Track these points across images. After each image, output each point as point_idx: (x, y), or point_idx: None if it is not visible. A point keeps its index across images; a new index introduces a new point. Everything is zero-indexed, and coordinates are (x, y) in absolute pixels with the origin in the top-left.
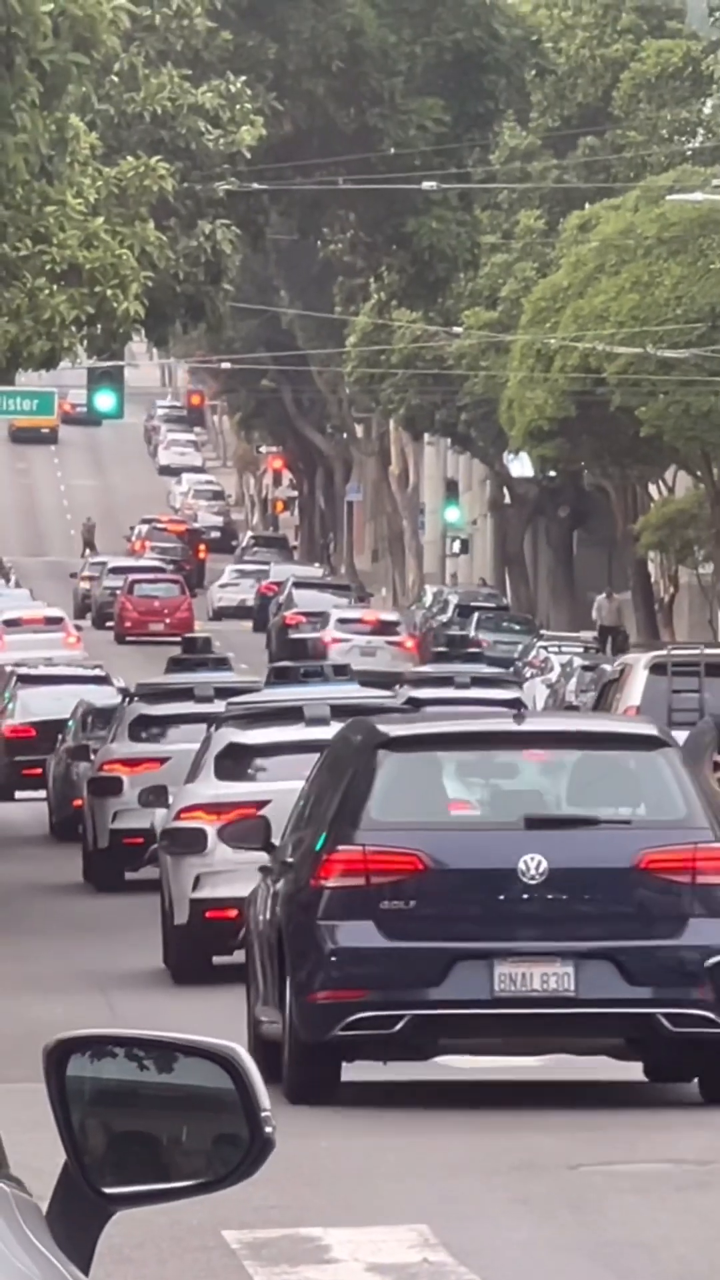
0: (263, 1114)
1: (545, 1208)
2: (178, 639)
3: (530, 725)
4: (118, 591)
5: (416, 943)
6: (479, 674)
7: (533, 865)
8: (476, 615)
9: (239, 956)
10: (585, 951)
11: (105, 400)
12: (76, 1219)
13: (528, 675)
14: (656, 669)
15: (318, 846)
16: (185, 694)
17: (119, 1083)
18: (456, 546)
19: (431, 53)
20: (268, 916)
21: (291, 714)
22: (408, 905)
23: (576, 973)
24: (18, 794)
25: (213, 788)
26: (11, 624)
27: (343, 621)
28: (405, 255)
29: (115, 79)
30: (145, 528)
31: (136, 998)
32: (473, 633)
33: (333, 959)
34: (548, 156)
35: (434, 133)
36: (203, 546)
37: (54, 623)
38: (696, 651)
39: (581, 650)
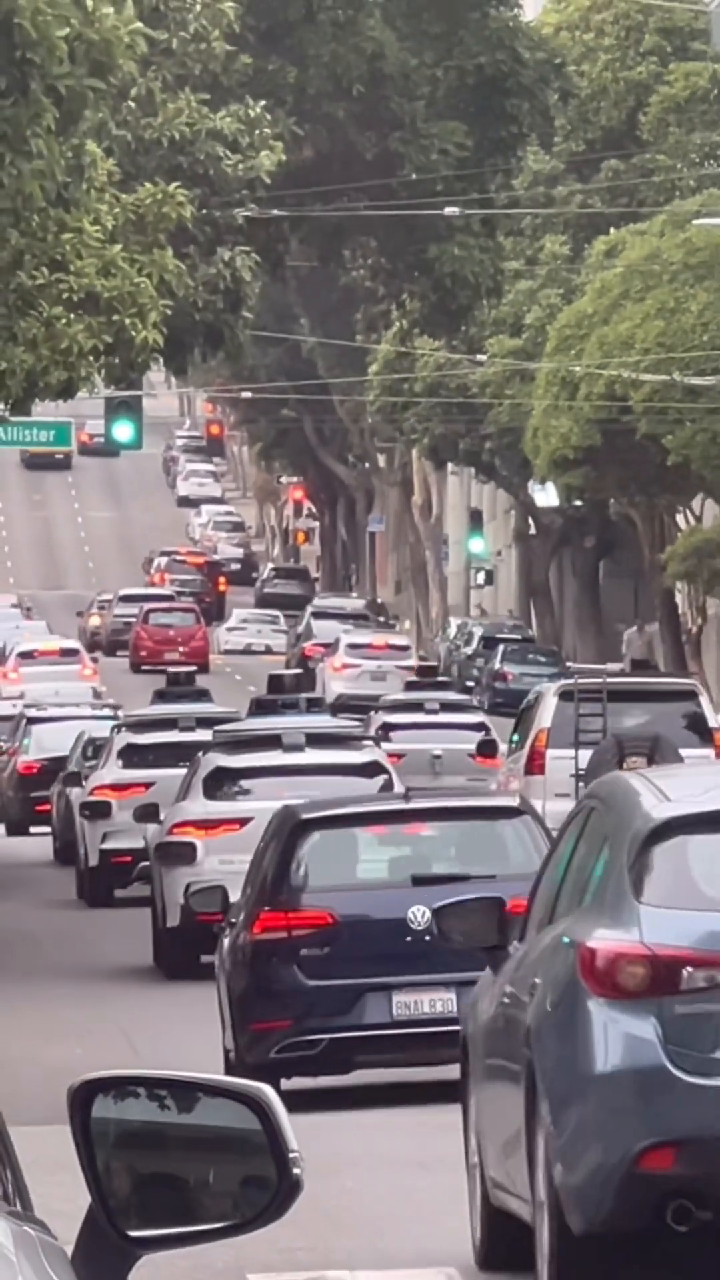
0: (291, 1155)
1: None
2: (192, 667)
3: (416, 804)
4: (131, 620)
5: (331, 980)
6: (447, 700)
7: (419, 915)
8: (502, 647)
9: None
10: (463, 980)
11: (123, 431)
12: (102, 1262)
13: None
14: (565, 696)
15: (251, 909)
16: (170, 724)
17: (144, 1124)
18: (481, 578)
19: (453, 76)
20: (224, 965)
21: (271, 741)
22: (323, 951)
23: (457, 997)
24: (32, 829)
25: (201, 806)
26: (27, 656)
27: (352, 647)
28: (427, 282)
29: (132, 104)
30: (164, 560)
31: (158, 1036)
32: (499, 665)
33: (263, 996)
34: (572, 181)
35: (456, 157)
36: (222, 580)
37: (70, 654)
38: (600, 681)
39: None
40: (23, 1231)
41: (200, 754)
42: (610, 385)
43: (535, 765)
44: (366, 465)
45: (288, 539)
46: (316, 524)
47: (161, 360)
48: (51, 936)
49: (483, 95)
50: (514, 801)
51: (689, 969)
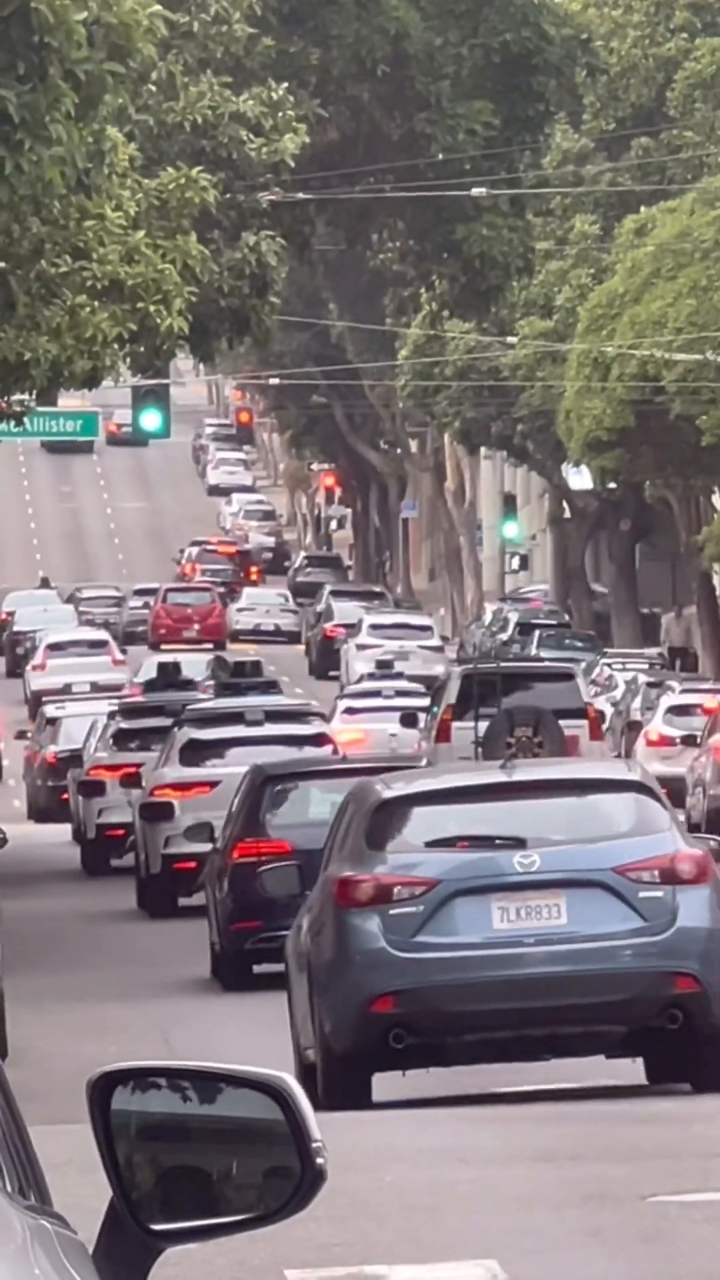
0: (314, 1145)
1: (617, 1240)
2: (210, 644)
3: (349, 765)
4: (150, 603)
5: (284, 892)
6: (401, 688)
7: None
8: (538, 633)
9: (198, 899)
10: None
11: (151, 419)
12: (124, 1257)
13: (592, 694)
14: (467, 677)
15: (230, 842)
16: (236, 718)
17: (166, 1116)
18: (516, 563)
19: (479, 54)
20: (212, 883)
21: (235, 717)
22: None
23: None
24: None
25: (177, 771)
26: (56, 647)
27: (375, 627)
28: (456, 264)
29: (153, 88)
30: (195, 550)
31: (194, 1033)
32: (535, 651)
33: (238, 902)
34: (601, 159)
35: (483, 137)
36: (255, 569)
37: (98, 645)
38: (495, 665)
39: (646, 667)
40: (39, 1225)
41: (175, 728)
42: (643, 365)
43: (443, 734)
44: (398, 451)
45: (320, 527)
46: (348, 511)
47: (188, 347)
48: (83, 929)
49: (509, 73)
50: (421, 761)
51: (397, 887)
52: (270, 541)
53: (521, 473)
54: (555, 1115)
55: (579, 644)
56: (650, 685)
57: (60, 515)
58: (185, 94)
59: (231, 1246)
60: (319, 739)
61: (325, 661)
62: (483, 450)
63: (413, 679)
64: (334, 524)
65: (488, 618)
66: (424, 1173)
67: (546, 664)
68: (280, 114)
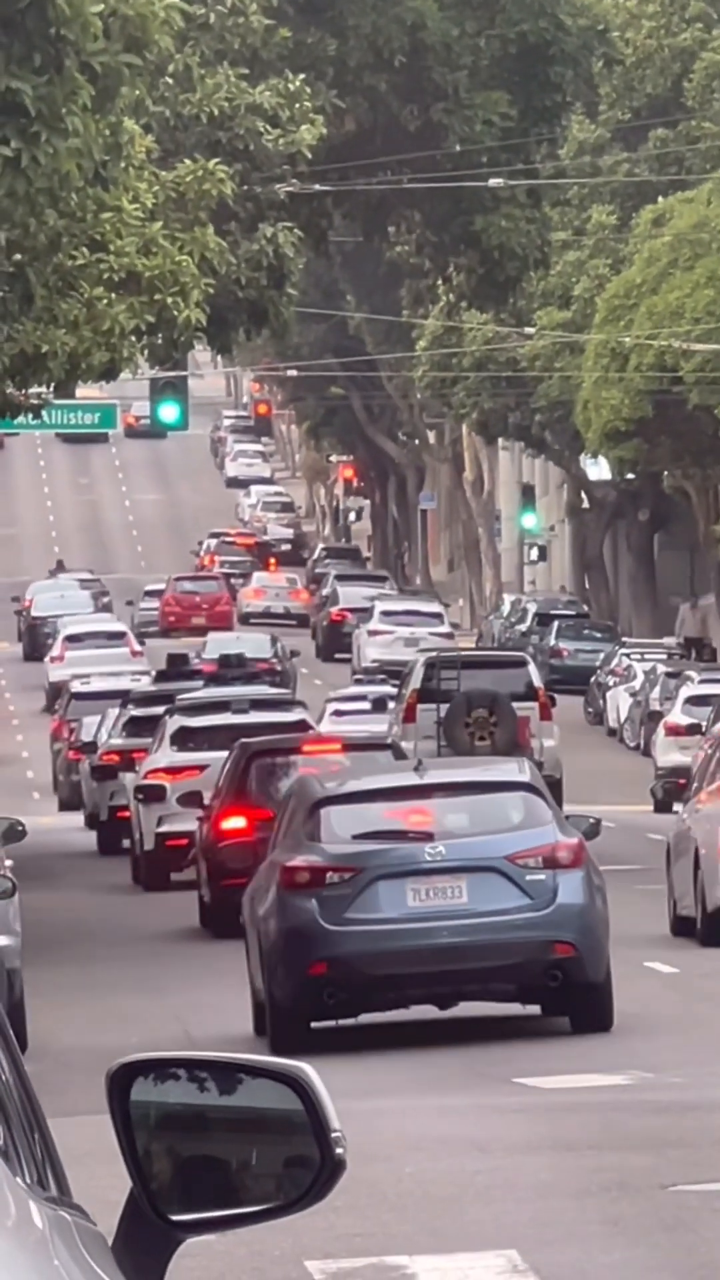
0: (333, 1135)
1: (637, 1229)
2: (219, 629)
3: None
4: (166, 591)
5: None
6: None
7: None
8: (556, 624)
9: (189, 874)
10: None
11: (169, 412)
12: (144, 1248)
13: (610, 684)
14: (430, 665)
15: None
16: (223, 707)
17: (185, 1106)
18: (534, 553)
19: (496, 45)
20: (202, 845)
21: (222, 706)
22: (265, 834)
23: None
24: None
25: (168, 756)
26: (74, 639)
27: (386, 614)
28: (474, 255)
29: (169, 80)
30: (213, 542)
31: (212, 1023)
32: (554, 642)
33: (228, 861)
34: (618, 150)
35: (500, 128)
36: (273, 560)
37: (117, 637)
38: (455, 654)
39: (665, 657)
40: (59, 1216)
41: (166, 716)
42: (660, 356)
43: (409, 715)
44: (416, 442)
45: (338, 518)
46: (366, 503)
47: (205, 339)
48: (103, 922)
49: (526, 64)
50: (388, 740)
51: (329, 873)
52: (289, 533)
53: (540, 463)
54: (575, 1105)
55: (598, 634)
56: (669, 675)
57: (79, 507)
58: (202, 86)
59: (251, 1237)
60: (299, 725)
61: (332, 644)
62: (501, 441)
63: None
64: (352, 515)
65: (506, 608)
66: (444, 1163)
67: (502, 652)
68: (297, 105)
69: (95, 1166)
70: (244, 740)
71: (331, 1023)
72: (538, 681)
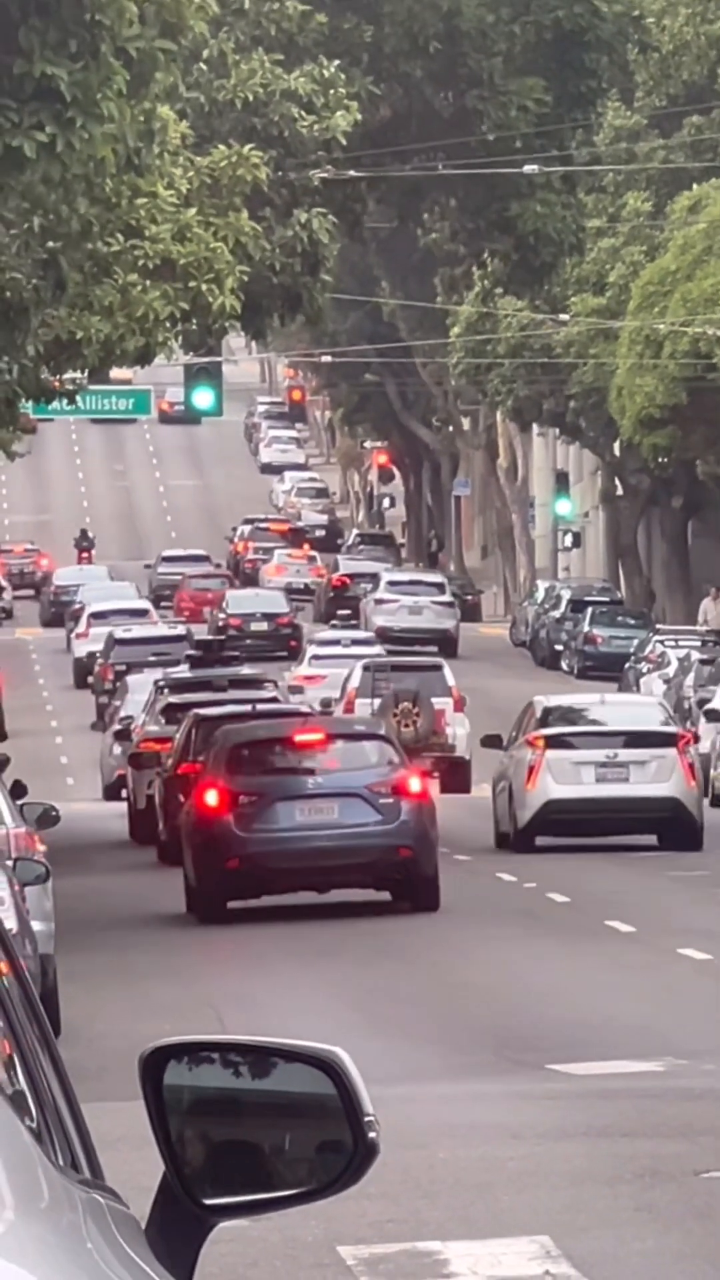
0: (366, 1119)
1: (670, 1216)
2: (221, 637)
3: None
4: (175, 577)
5: None
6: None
7: None
8: (590, 610)
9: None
10: None
11: (204, 398)
12: (176, 1231)
13: (644, 670)
14: (365, 668)
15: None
16: (205, 685)
17: (218, 1090)
18: (568, 540)
19: (531, 31)
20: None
21: (205, 684)
22: None
23: None
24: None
25: (159, 728)
26: (99, 616)
27: (392, 584)
28: (509, 241)
29: (204, 66)
30: (248, 528)
31: (248, 1012)
32: (588, 629)
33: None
34: (653, 136)
35: (535, 114)
36: (307, 545)
37: (139, 614)
38: (386, 660)
39: (699, 644)
40: (92, 1199)
41: (155, 692)
42: (695, 342)
43: (348, 709)
44: (450, 428)
45: (372, 504)
46: (399, 484)
47: (240, 325)
48: (136, 909)
49: (561, 50)
50: (303, 708)
51: (241, 796)
52: (323, 519)
53: (574, 450)
54: (607, 1092)
55: (631, 621)
56: (704, 663)
57: (113, 493)
58: (236, 71)
59: (284, 1223)
60: (271, 701)
61: (332, 607)
62: (535, 427)
63: (427, 632)
64: (386, 501)
65: (540, 595)
66: (476, 1149)
67: (424, 658)
68: (332, 91)
69: (127, 1151)
70: (228, 728)
71: (241, 902)
72: (452, 682)
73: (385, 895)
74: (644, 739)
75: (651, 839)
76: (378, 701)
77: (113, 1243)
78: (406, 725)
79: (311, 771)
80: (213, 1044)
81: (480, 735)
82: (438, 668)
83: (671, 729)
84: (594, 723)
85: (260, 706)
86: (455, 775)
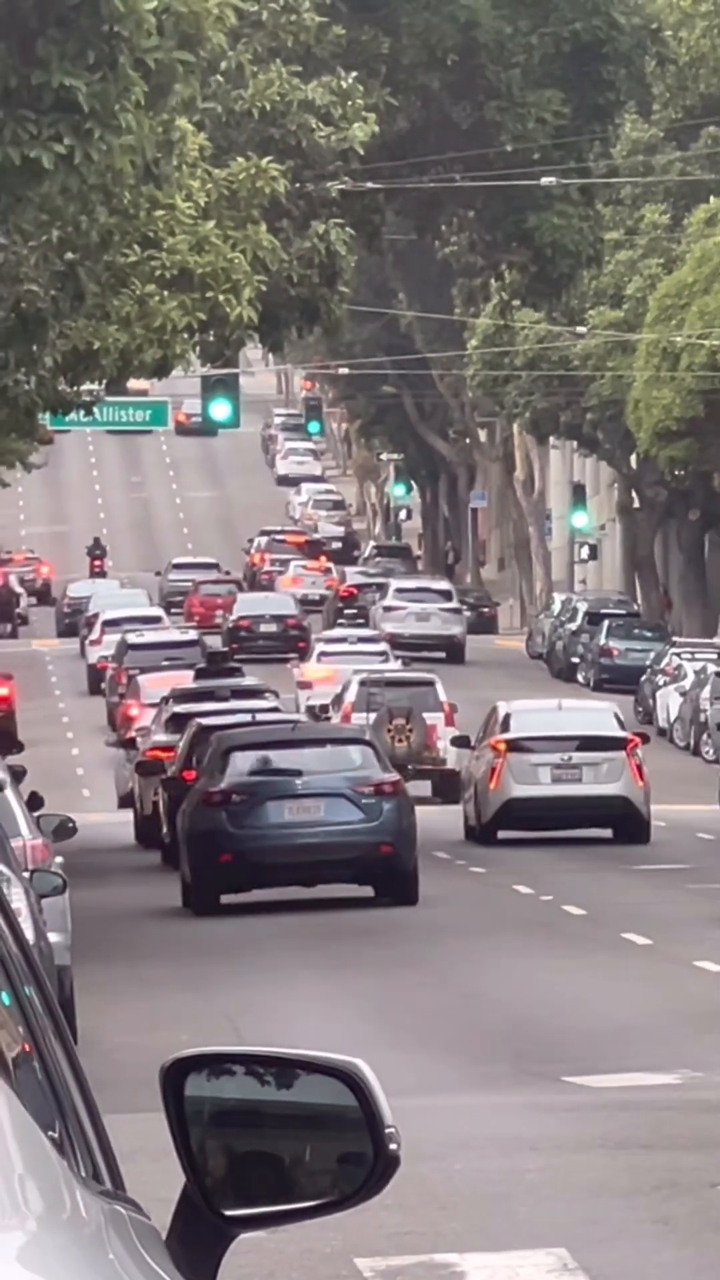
0: (387, 1130)
1: (688, 1229)
2: (225, 649)
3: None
4: (184, 585)
5: None
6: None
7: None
8: (607, 623)
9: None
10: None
11: (221, 409)
12: (197, 1242)
13: (660, 683)
14: (363, 682)
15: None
16: (209, 695)
17: (239, 1102)
18: (585, 552)
19: (549, 43)
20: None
21: (208, 695)
22: None
23: None
24: None
25: (164, 737)
26: (112, 623)
27: (400, 591)
28: (526, 253)
29: (221, 78)
30: (264, 540)
31: (264, 1023)
32: (604, 641)
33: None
34: (671, 149)
35: (553, 126)
36: (323, 557)
37: (152, 621)
38: (381, 675)
39: (716, 656)
40: (114, 1210)
41: (161, 703)
42: (712, 355)
43: (344, 721)
44: (467, 440)
45: (389, 516)
46: (418, 500)
47: (257, 337)
48: (152, 919)
49: (579, 62)
50: (298, 718)
51: (234, 795)
52: (339, 531)
53: (591, 462)
54: (625, 1104)
55: (648, 633)
56: (719, 675)
57: (130, 505)
58: (254, 82)
59: (301, 1235)
60: (271, 711)
61: (335, 616)
62: (552, 440)
63: (435, 638)
64: (403, 514)
65: (556, 607)
66: (494, 1161)
67: (415, 674)
68: (350, 103)
69: (144, 1163)
70: (221, 733)
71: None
72: (444, 697)
73: (367, 891)
74: (596, 743)
75: (606, 833)
76: (373, 716)
77: (134, 1254)
78: (400, 741)
79: (299, 773)
80: (234, 1055)
81: None
82: (430, 683)
83: (621, 733)
84: (552, 727)
85: (260, 715)
86: (447, 786)
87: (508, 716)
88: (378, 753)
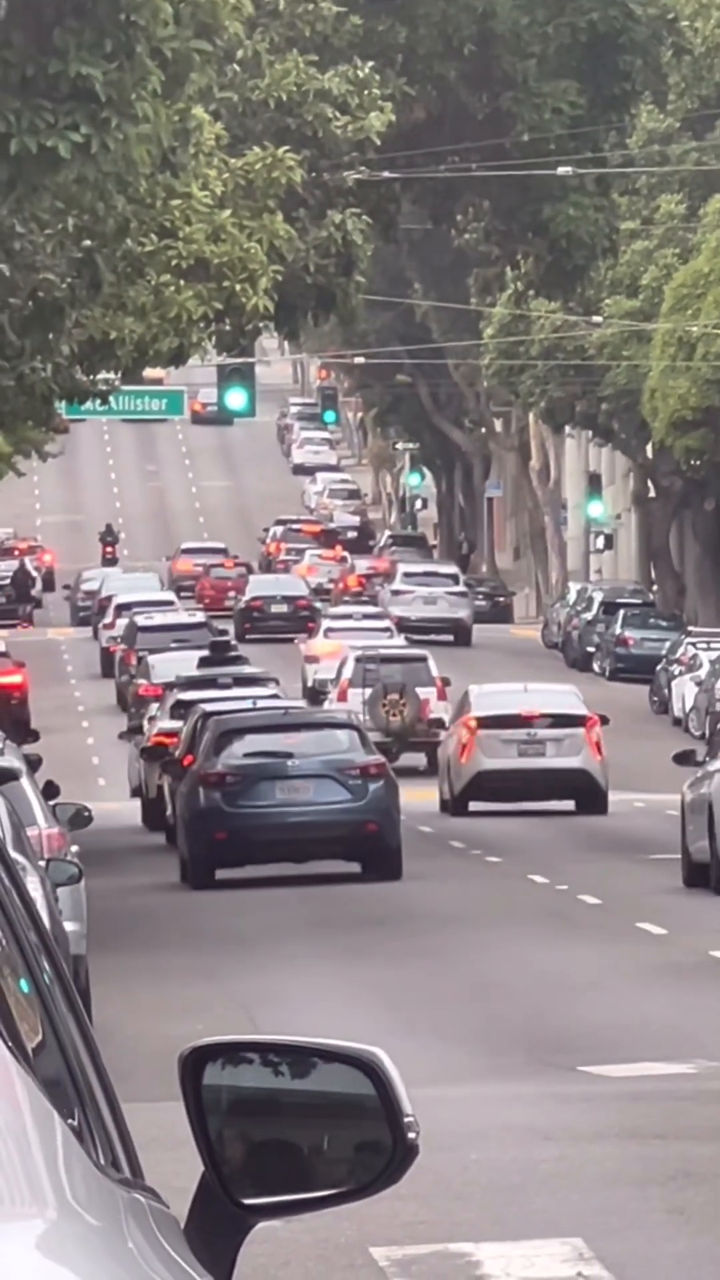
0: (405, 1119)
1: (703, 1218)
2: (228, 638)
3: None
4: (196, 569)
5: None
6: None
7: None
8: (622, 613)
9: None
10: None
11: (236, 398)
12: (215, 1231)
13: (676, 673)
14: (359, 659)
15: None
16: (211, 683)
17: (257, 1090)
18: (600, 542)
19: (565, 34)
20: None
21: (211, 682)
22: None
23: None
24: None
25: (168, 724)
26: (126, 607)
27: (408, 575)
28: (542, 243)
29: (238, 67)
30: (280, 529)
31: (279, 1011)
32: (620, 631)
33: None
34: (687, 139)
35: (569, 116)
36: (339, 546)
37: (165, 605)
38: (376, 651)
39: None
40: (133, 1198)
41: (165, 691)
42: None
43: (341, 697)
44: (483, 430)
45: (404, 506)
46: (433, 490)
47: (273, 326)
48: (167, 908)
49: (595, 53)
50: (292, 705)
51: (228, 776)
52: (355, 520)
53: (606, 452)
54: (640, 1094)
55: (663, 623)
56: None
57: (146, 493)
58: (271, 72)
59: (317, 1225)
60: (271, 698)
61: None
62: (567, 429)
63: (442, 621)
64: (419, 503)
65: (572, 597)
66: (509, 1151)
67: (409, 650)
68: (366, 92)
69: (160, 1152)
70: (217, 718)
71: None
72: (436, 673)
73: (354, 867)
74: (558, 720)
75: (569, 804)
76: (368, 691)
77: (154, 1242)
78: (395, 715)
79: (290, 755)
80: (251, 1044)
81: None
82: (423, 659)
83: (581, 712)
84: (518, 706)
85: (260, 702)
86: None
87: (479, 697)
88: (363, 736)
